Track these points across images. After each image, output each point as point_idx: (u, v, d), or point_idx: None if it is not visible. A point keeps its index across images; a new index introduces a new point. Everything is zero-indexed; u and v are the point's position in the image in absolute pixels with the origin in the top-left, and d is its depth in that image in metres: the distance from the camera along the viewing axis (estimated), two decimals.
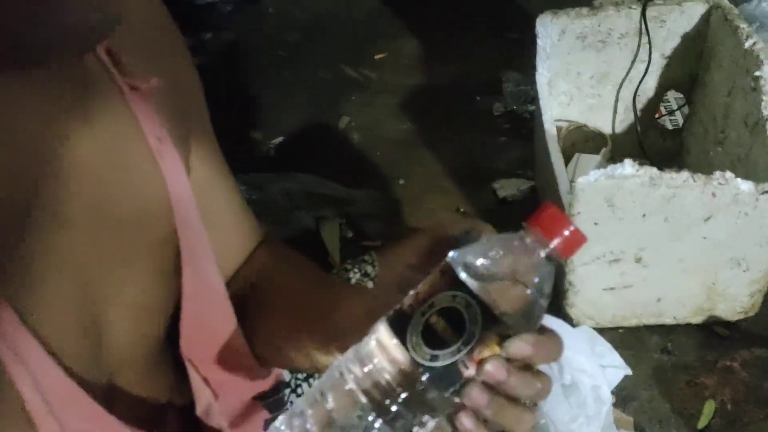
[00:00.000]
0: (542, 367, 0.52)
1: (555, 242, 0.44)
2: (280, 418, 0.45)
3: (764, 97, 1.06)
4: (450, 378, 0.44)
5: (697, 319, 1.14)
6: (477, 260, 0.44)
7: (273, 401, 0.65)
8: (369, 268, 0.89)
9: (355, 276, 0.88)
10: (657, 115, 1.42)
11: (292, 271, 0.63)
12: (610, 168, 1.00)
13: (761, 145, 1.05)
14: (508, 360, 0.43)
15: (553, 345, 0.44)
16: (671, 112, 1.44)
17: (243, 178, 1.48)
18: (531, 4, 2.09)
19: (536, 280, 0.44)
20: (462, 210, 1.42)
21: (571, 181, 1.03)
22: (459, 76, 1.85)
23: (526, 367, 0.43)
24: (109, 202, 0.46)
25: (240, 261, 0.63)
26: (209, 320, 0.55)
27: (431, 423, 0.46)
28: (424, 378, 0.43)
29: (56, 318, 0.43)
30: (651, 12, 1.26)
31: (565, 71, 1.32)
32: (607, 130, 1.39)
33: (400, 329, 0.44)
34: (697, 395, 1.06)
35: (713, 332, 1.14)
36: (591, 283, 1.10)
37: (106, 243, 0.46)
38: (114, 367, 0.50)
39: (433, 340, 0.44)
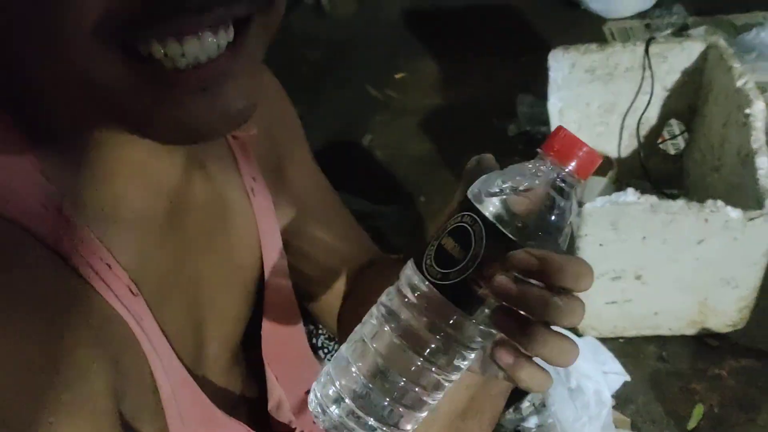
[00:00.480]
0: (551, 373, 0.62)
1: (570, 166, 0.45)
2: (314, 385, 0.47)
3: (753, 132, 1.18)
4: (466, 298, 0.43)
5: (690, 331, 1.26)
6: (489, 184, 0.45)
7: None
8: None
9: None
10: (660, 141, 1.54)
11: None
12: (615, 195, 1.12)
13: (751, 176, 1.17)
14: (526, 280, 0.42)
15: (571, 265, 0.41)
16: (673, 137, 1.55)
17: None
18: (544, 30, 2.23)
19: (547, 200, 0.44)
20: None
21: (580, 205, 1.15)
22: (476, 97, 1.97)
23: (549, 286, 0.42)
24: (214, 230, 0.59)
25: (347, 271, 0.71)
26: (283, 329, 0.67)
27: (472, 356, 0.46)
28: (442, 300, 0.43)
29: (176, 321, 0.55)
30: (654, 49, 1.38)
31: (575, 101, 1.43)
32: (613, 154, 1.51)
33: (419, 258, 0.45)
34: (688, 399, 1.18)
35: (705, 343, 1.26)
36: (595, 298, 1.22)
37: (208, 263, 0.59)
38: (207, 363, 0.63)
39: (446, 261, 0.44)
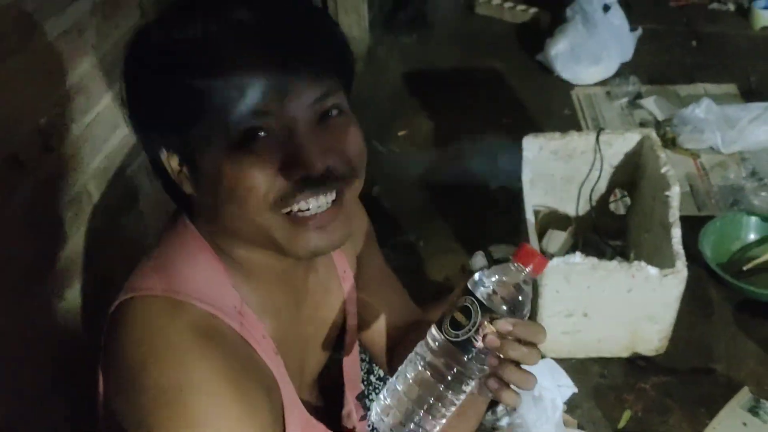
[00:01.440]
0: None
1: (529, 267, 0.79)
2: (374, 403, 0.80)
3: (671, 210, 1.60)
4: (469, 348, 0.76)
5: (624, 354, 1.68)
6: (481, 278, 0.79)
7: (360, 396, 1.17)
8: None
9: None
10: (611, 201, 1.96)
11: None
12: (567, 257, 1.53)
13: (668, 241, 1.58)
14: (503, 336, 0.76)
15: (532, 328, 0.76)
16: (617, 200, 1.96)
17: None
18: (522, 93, 2.64)
19: (516, 289, 0.78)
20: (466, 267, 1.96)
21: (546, 255, 1.56)
22: (463, 154, 2.37)
23: (519, 340, 0.76)
24: (319, 306, 0.99)
25: (395, 329, 1.10)
26: (353, 364, 1.08)
27: (472, 383, 0.79)
28: (455, 350, 0.76)
29: (290, 356, 0.94)
30: (603, 137, 1.80)
31: (542, 174, 1.85)
32: (572, 214, 1.92)
33: (439, 323, 0.79)
34: (620, 406, 1.59)
35: (635, 363, 1.67)
36: (553, 329, 1.63)
37: (314, 327, 0.99)
38: (303, 390, 1.02)
39: (457, 326, 0.77)
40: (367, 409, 1.14)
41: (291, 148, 0.76)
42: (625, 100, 2.53)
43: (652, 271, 1.52)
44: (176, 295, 0.79)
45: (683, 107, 2.32)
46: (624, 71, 2.65)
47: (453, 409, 0.81)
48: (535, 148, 1.81)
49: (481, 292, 0.79)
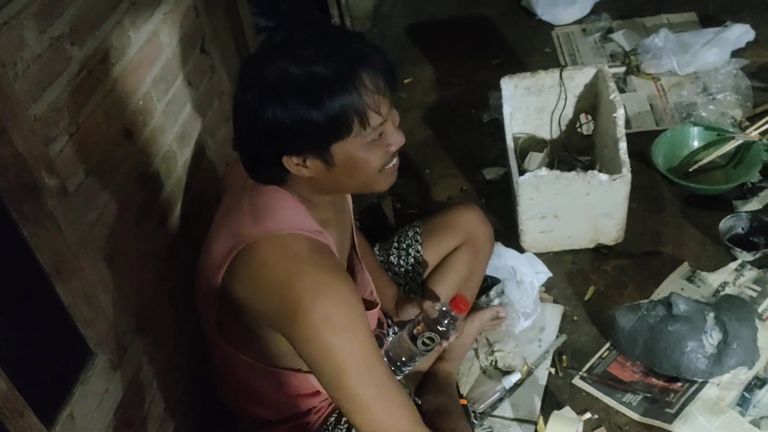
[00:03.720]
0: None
1: (455, 311, 1.49)
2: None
3: (617, 128, 2.01)
4: (427, 351, 1.52)
5: (590, 245, 2.12)
6: (431, 313, 1.51)
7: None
8: (418, 230, 1.86)
9: (411, 234, 1.85)
10: (577, 126, 2.37)
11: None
12: (535, 171, 1.96)
13: (615, 156, 2.00)
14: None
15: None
16: (582, 125, 2.37)
17: None
18: (509, 36, 3.03)
19: (452, 320, 1.49)
20: (463, 188, 2.40)
21: (521, 171, 1.99)
22: (461, 94, 2.78)
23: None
24: (345, 214, 1.46)
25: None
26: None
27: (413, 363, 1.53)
28: (414, 351, 1.50)
29: (340, 248, 1.41)
30: (565, 73, 2.21)
31: (519, 107, 2.27)
32: (547, 137, 2.35)
33: (414, 341, 1.50)
34: (586, 284, 2.04)
35: (600, 251, 2.12)
36: (531, 229, 2.08)
37: (344, 224, 1.46)
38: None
39: (426, 345, 1.50)
40: None
41: (392, 137, 1.25)
42: (598, 35, 2.91)
43: (603, 177, 1.95)
44: (284, 231, 1.24)
45: (648, 37, 2.71)
46: (597, 9, 3.02)
47: (414, 364, 1.55)
48: (511, 87, 2.22)
49: (432, 322, 1.50)
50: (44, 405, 1.24)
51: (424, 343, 1.51)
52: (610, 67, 2.66)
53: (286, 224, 1.25)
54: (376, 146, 1.23)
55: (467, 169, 2.46)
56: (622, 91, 2.63)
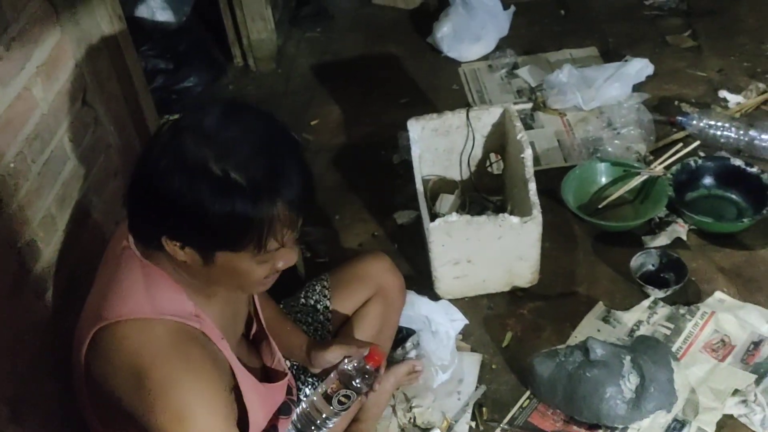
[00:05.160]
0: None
1: (371, 363, 1.42)
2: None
3: (526, 169, 1.98)
4: (336, 404, 1.43)
5: (506, 288, 2.07)
6: (345, 366, 1.43)
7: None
8: (325, 283, 1.77)
9: (318, 289, 1.76)
10: (487, 166, 2.33)
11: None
12: (446, 217, 1.90)
13: (525, 196, 1.96)
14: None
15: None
16: (492, 165, 2.34)
17: None
18: (416, 73, 3.00)
19: (368, 374, 1.43)
20: (375, 233, 2.32)
21: (436, 216, 1.92)
22: (369, 134, 2.71)
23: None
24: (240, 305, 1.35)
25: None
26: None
27: (337, 419, 1.45)
28: (337, 411, 1.42)
29: (229, 336, 1.30)
30: (472, 113, 2.17)
31: (428, 148, 2.21)
32: (457, 178, 2.30)
33: (329, 401, 1.42)
34: (503, 329, 1.99)
35: (515, 294, 2.07)
36: (445, 275, 2.01)
37: (239, 315, 1.35)
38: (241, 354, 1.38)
39: (342, 404, 1.42)
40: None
41: (284, 259, 1.16)
42: (503, 71, 2.91)
43: (514, 219, 1.91)
44: (148, 314, 1.13)
45: (552, 73, 2.71)
46: (502, 45, 3.02)
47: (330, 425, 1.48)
48: (419, 129, 2.17)
49: (345, 377, 1.43)
50: None
51: (339, 402, 1.43)
52: (516, 103, 2.69)
53: (154, 307, 1.14)
54: (263, 262, 1.15)
55: (378, 213, 2.39)
56: (529, 127, 2.62)
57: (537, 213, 1.91)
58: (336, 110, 2.87)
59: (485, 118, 2.19)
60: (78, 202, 1.61)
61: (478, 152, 2.26)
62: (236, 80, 3.08)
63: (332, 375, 1.45)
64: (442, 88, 2.90)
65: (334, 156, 2.66)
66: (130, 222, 1.16)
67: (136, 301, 1.14)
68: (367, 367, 1.42)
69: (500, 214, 1.92)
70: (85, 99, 1.69)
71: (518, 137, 2.04)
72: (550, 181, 2.33)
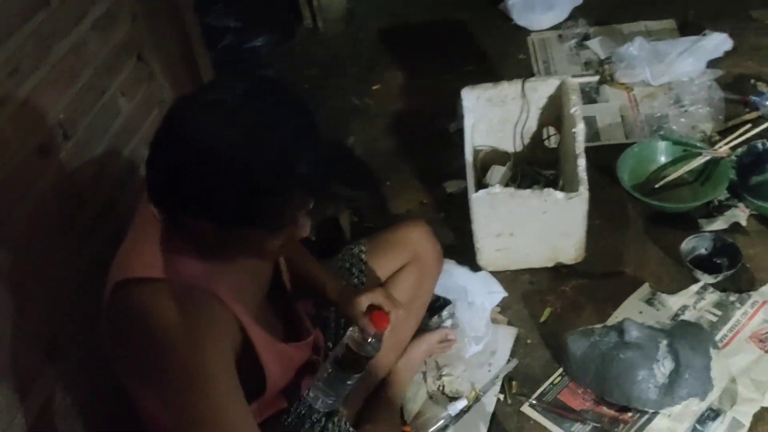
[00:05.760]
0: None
1: (374, 327, 1.42)
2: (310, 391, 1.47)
3: (577, 144, 1.94)
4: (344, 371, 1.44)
5: (549, 264, 2.04)
6: (354, 334, 1.43)
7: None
8: (362, 248, 1.78)
9: (355, 253, 1.77)
10: (544, 138, 2.29)
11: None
12: (489, 188, 1.88)
13: (574, 171, 1.92)
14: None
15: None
16: (547, 138, 2.29)
17: None
18: (483, 41, 2.95)
19: (373, 340, 1.42)
20: (424, 201, 2.32)
21: (483, 185, 1.91)
22: (429, 102, 2.70)
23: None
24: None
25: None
26: (287, 278, 1.47)
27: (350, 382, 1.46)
28: (336, 374, 1.43)
29: (247, 298, 1.33)
30: (528, 84, 2.13)
31: (482, 118, 2.19)
32: (510, 150, 2.27)
33: (342, 367, 1.43)
34: (543, 305, 1.97)
35: (559, 271, 2.04)
36: (487, 247, 2.00)
37: (256, 284, 1.38)
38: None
39: (339, 363, 1.44)
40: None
41: (298, 234, 1.20)
42: (573, 41, 2.83)
43: (559, 195, 1.87)
44: (158, 274, 1.15)
45: (623, 45, 2.62)
46: (575, 14, 2.93)
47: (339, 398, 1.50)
48: (473, 98, 2.15)
49: (374, 349, 1.45)
50: None
51: (349, 366, 1.44)
52: (582, 75, 2.61)
53: (165, 267, 1.16)
54: (275, 237, 1.17)
55: (429, 181, 2.38)
56: (593, 101, 2.55)
57: (584, 189, 1.87)
58: (399, 76, 2.87)
59: (542, 90, 2.15)
60: (127, 154, 1.68)
61: (533, 124, 2.22)
62: (303, 41, 3.10)
63: (342, 340, 1.47)
64: (509, 57, 2.85)
65: (390, 122, 2.66)
66: (148, 188, 1.16)
67: (149, 261, 1.17)
68: (373, 332, 1.43)
69: (545, 189, 1.88)
70: (141, 55, 1.75)
71: (572, 111, 2.00)
72: (607, 157, 2.26)
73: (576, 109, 2.00)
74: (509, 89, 2.15)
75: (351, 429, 1.57)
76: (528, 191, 1.89)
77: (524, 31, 2.95)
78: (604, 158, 2.26)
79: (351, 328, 1.47)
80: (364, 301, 1.48)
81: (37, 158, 1.38)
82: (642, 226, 2.13)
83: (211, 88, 1.13)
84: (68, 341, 1.44)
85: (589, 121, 2.47)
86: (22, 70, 1.34)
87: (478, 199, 1.89)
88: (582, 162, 1.91)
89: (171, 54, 1.86)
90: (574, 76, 2.58)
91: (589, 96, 2.57)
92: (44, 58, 1.41)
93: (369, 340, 1.44)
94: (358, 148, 2.57)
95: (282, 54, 3.02)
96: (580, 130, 1.95)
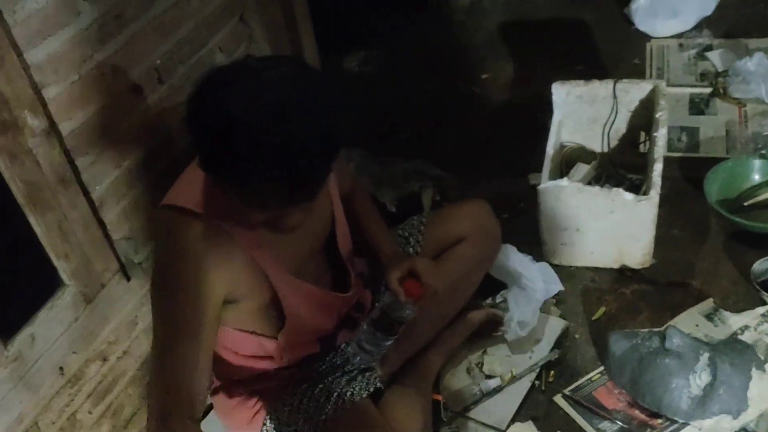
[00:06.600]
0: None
1: (407, 296, 1.50)
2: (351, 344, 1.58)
3: (656, 148, 1.92)
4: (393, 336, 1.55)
5: (614, 265, 2.03)
6: (387, 299, 1.51)
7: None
8: (423, 220, 1.86)
9: (415, 224, 1.85)
10: (639, 142, 2.26)
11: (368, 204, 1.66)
12: (558, 181, 1.91)
13: (650, 175, 1.90)
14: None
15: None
16: (639, 143, 2.26)
17: (382, 159, 2.49)
18: (599, 42, 2.93)
19: (408, 305, 1.51)
20: (506, 189, 2.35)
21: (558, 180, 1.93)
22: (532, 96, 2.69)
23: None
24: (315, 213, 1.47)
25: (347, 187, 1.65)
26: (346, 239, 1.57)
27: (388, 343, 1.56)
28: (372, 333, 1.52)
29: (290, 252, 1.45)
30: (620, 85, 2.12)
31: (571, 115, 2.20)
32: (597, 149, 2.26)
33: (378, 327, 1.53)
34: (599, 304, 1.96)
35: (624, 273, 2.03)
36: (552, 240, 2.02)
37: (312, 225, 1.48)
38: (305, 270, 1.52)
39: (376, 324, 1.54)
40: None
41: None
42: (693, 51, 2.75)
43: (628, 196, 1.87)
44: (187, 205, 1.30)
45: (741, 60, 2.53)
46: (701, 25, 2.84)
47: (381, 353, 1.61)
48: (563, 93, 2.16)
49: (390, 309, 1.53)
50: (9, 326, 1.38)
51: (384, 329, 1.53)
52: (695, 86, 2.55)
53: (195, 202, 1.30)
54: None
55: (516, 171, 2.42)
56: (701, 113, 2.49)
57: (654, 194, 1.85)
58: (509, 68, 2.90)
59: (633, 93, 2.13)
60: None
61: (622, 126, 2.21)
62: (423, 22, 3.19)
63: (379, 302, 1.55)
64: (623, 61, 2.81)
65: (491, 111, 2.71)
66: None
67: (184, 192, 1.33)
68: (404, 298, 1.50)
69: (614, 188, 1.88)
70: (243, 16, 1.91)
71: (657, 115, 1.98)
72: (702, 170, 2.20)
73: (662, 114, 1.98)
74: (600, 88, 2.15)
75: (379, 385, 1.66)
76: (596, 188, 1.90)
77: (645, 37, 2.89)
78: (698, 170, 2.20)
79: (387, 292, 1.55)
80: (405, 268, 1.56)
81: (130, 96, 1.57)
82: (721, 242, 2.07)
83: (245, 64, 1.21)
84: (141, 260, 1.62)
85: (692, 132, 2.43)
86: (125, 16, 1.52)
87: (544, 191, 1.92)
88: (658, 167, 1.90)
89: (273, 20, 2.00)
90: (686, 86, 2.56)
91: (698, 107, 2.51)
92: (147, 9, 1.58)
93: (402, 305, 1.52)
94: (453, 131, 2.64)
95: (403, 33, 3.12)
96: (661, 135, 1.93)
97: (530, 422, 1.70)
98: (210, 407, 1.80)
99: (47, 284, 1.46)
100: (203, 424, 1.79)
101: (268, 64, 1.18)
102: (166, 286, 1.30)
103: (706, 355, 1.64)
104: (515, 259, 1.96)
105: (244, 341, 1.51)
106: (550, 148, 2.08)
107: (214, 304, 1.32)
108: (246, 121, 1.11)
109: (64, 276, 1.47)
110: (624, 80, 2.13)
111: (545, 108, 2.58)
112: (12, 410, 1.39)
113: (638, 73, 2.72)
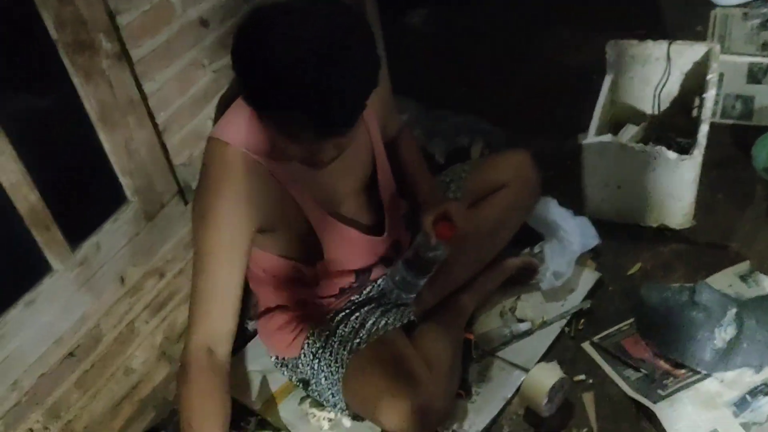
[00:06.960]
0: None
1: (439, 237, 1.58)
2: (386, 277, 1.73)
3: (704, 110, 1.94)
4: (427, 274, 1.64)
5: (654, 224, 2.06)
6: (420, 240, 1.60)
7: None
8: (465, 167, 1.94)
9: (456, 170, 1.93)
10: (693, 106, 2.26)
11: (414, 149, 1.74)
12: (601, 137, 1.95)
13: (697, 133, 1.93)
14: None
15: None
16: (696, 108, 2.27)
17: (435, 113, 2.56)
18: (664, 9, 2.91)
19: (439, 244, 1.58)
20: (555, 147, 2.39)
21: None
22: (588, 58, 2.69)
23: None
24: (354, 155, 1.55)
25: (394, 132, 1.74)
26: (387, 182, 1.66)
27: (422, 282, 1.65)
28: (406, 271, 1.62)
29: (318, 186, 1.53)
30: (674, 47, 2.13)
31: (623, 74, 2.22)
32: (648, 111, 2.28)
33: (411, 268, 1.62)
34: (635, 260, 2.01)
35: (662, 232, 2.06)
36: (594, 195, 2.07)
37: (351, 166, 1.57)
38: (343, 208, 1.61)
39: (409, 264, 1.63)
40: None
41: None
42: (758, 21, 2.71)
43: (671, 155, 1.90)
44: (229, 140, 1.41)
45: None
46: None
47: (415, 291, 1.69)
48: (617, 52, 2.19)
49: (424, 250, 1.60)
50: (77, 233, 1.51)
51: (417, 268, 1.62)
52: (755, 56, 2.53)
53: (238, 137, 1.41)
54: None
55: (566, 130, 2.45)
56: (758, 82, 2.46)
57: (698, 154, 1.88)
58: (568, 30, 2.92)
59: (688, 55, 2.14)
60: None
61: (674, 88, 2.22)
62: None
63: (413, 242, 1.63)
64: (685, 28, 2.79)
65: (548, 71, 2.74)
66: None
67: (229, 128, 1.43)
68: (434, 240, 1.58)
69: (657, 146, 1.92)
70: None
71: (708, 77, 1.99)
72: (754, 138, 2.21)
73: (713, 76, 1.99)
74: (654, 48, 2.17)
75: (413, 318, 1.76)
76: (640, 145, 1.93)
77: (710, 5, 2.85)
78: (749, 138, 2.21)
79: (421, 233, 1.63)
80: (439, 211, 1.62)
81: (198, 28, 1.67)
82: (765, 208, 2.09)
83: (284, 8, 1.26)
84: None
85: (747, 101, 2.41)
86: None
87: (587, 146, 1.97)
88: (705, 128, 1.92)
89: None
90: (747, 54, 2.54)
91: (756, 77, 2.48)
92: None
93: (433, 246, 1.59)
94: (507, 90, 2.69)
95: None
96: (709, 96, 1.96)
97: (555, 362, 1.76)
98: (255, 332, 1.93)
99: (113, 199, 1.59)
100: (249, 347, 1.95)
101: (308, 4, 1.26)
102: (202, 212, 1.42)
103: (734, 310, 1.68)
104: (555, 212, 2.01)
105: (284, 267, 1.62)
106: (599, 107, 2.12)
107: (247, 232, 1.44)
108: (284, 50, 1.19)
109: (128, 192, 1.60)
110: (678, 41, 2.15)
111: (602, 70, 2.60)
112: (76, 310, 1.53)
113: (700, 41, 2.69)
